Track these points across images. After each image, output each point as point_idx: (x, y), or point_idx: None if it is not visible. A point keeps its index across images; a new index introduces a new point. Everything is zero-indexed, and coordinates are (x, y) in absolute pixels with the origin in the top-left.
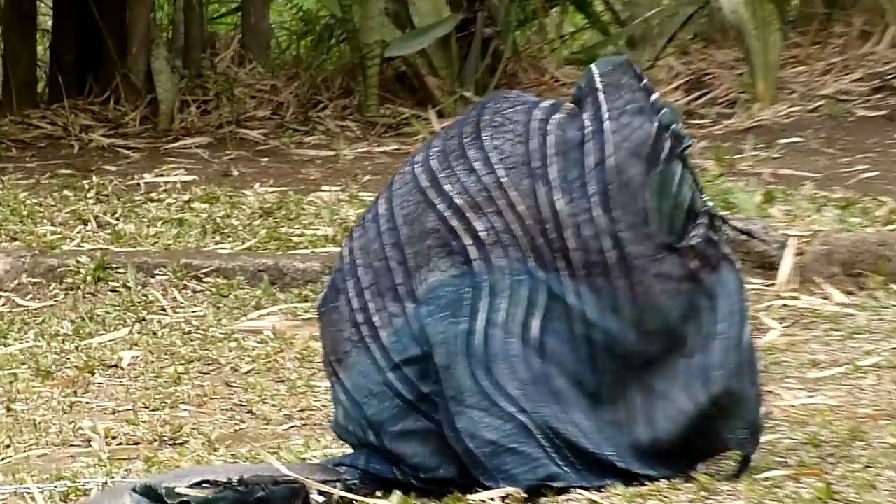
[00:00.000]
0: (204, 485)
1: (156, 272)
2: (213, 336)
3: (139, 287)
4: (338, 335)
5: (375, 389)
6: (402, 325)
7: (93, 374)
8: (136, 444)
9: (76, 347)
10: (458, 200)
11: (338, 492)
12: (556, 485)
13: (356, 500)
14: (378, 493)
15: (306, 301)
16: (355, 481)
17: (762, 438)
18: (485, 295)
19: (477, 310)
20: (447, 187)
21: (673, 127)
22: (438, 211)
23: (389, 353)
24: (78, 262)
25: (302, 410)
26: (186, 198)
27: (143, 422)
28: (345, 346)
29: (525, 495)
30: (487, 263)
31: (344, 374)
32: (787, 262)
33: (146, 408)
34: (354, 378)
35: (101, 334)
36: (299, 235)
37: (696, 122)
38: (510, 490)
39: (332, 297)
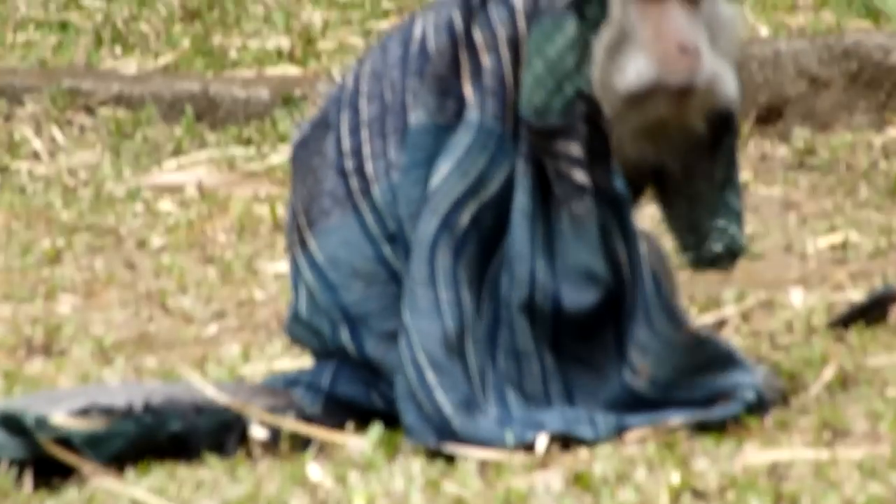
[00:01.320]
0: (92, 412)
1: (25, 100)
2: (109, 194)
3: (0, 122)
4: (315, 188)
5: (362, 267)
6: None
7: None
8: None
9: None
10: (477, 37)
11: (289, 425)
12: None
13: (316, 437)
14: (347, 427)
15: (248, 145)
16: (315, 410)
17: None
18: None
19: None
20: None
21: None
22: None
23: (384, 217)
24: None
25: (239, 304)
26: None
27: (2, 319)
28: (323, 202)
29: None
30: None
31: (316, 242)
32: None
33: (8, 298)
34: (332, 249)
35: None
36: (240, 49)
37: None
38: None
39: (316, 135)
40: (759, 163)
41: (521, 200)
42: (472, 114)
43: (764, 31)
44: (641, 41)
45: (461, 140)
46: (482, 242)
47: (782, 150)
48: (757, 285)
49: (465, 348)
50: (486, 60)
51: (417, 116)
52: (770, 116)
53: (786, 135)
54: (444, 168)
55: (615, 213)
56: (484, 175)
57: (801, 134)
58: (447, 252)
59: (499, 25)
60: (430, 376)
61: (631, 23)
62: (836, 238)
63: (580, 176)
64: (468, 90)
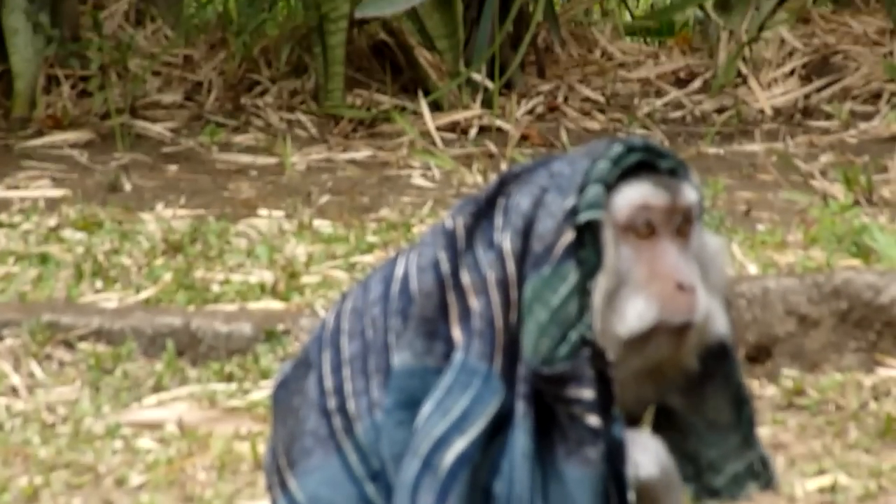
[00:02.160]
0: None
1: (4, 334)
2: (88, 431)
3: None
4: (297, 428)
5: None
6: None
7: None
8: None
9: None
10: (465, 280)
11: None
12: None
13: None
14: None
15: (230, 381)
16: None
17: None
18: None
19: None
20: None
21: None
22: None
23: (368, 456)
24: None
25: None
26: (53, 223)
27: None
28: (305, 441)
29: None
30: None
31: (297, 482)
32: None
33: None
34: (314, 489)
35: None
36: (222, 283)
37: (817, 123)
38: None
39: (298, 375)
40: None
41: (523, 442)
42: (458, 355)
43: (752, 268)
44: (638, 283)
45: (444, 381)
46: (476, 482)
47: (770, 390)
48: None
49: None
50: (475, 303)
51: (403, 358)
52: (759, 356)
53: (774, 374)
54: (426, 410)
55: (612, 461)
56: (468, 413)
57: (789, 374)
58: (430, 495)
59: (487, 268)
60: None
61: (626, 264)
62: (825, 481)
63: (594, 420)
64: (457, 333)
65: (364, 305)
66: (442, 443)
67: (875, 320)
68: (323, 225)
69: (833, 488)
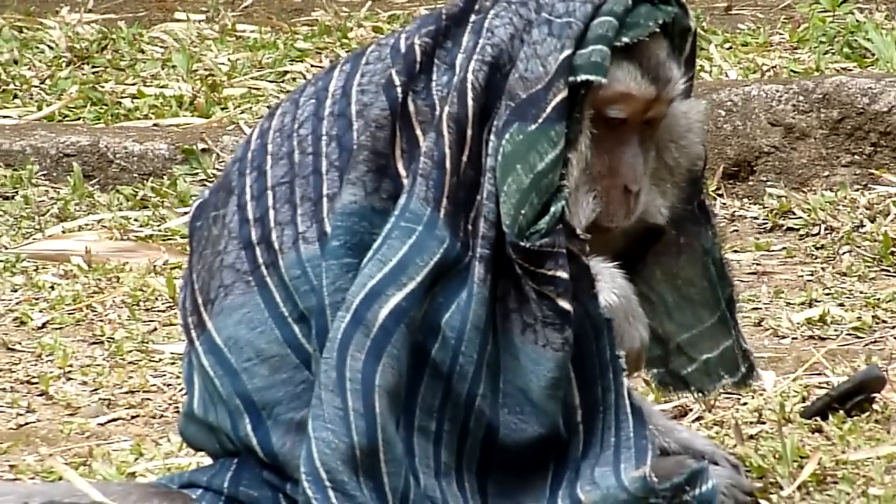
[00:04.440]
0: None
1: None
2: None
3: None
4: (215, 261)
5: (268, 349)
6: (315, 254)
7: None
8: None
9: None
10: (412, 108)
11: None
12: None
13: None
14: None
15: (145, 207)
16: None
17: None
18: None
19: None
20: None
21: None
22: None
23: (294, 294)
24: None
25: (131, 392)
26: None
27: None
28: (224, 277)
29: None
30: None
31: (215, 323)
32: None
33: None
34: (233, 329)
35: None
36: (134, 96)
37: None
38: None
39: (217, 202)
40: (727, 224)
41: (475, 311)
42: (402, 198)
43: (733, 73)
44: (592, 176)
45: (385, 226)
46: (412, 344)
47: (753, 211)
48: None
49: (376, 466)
50: (422, 137)
51: (350, 195)
52: (740, 172)
53: (757, 193)
54: (365, 259)
55: (595, 340)
56: (405, 262)
57: (774, 192)
58: (360, 353)
59: (440, 98)
60: (332, 496)
61: (589, 149)
62: (814, 312)
63: (565, 303)
64: (401, 168)
65: (292, 124)
66: (375, 295)
67: (871, 130)
68: (248, 30)
69: (823, 320)
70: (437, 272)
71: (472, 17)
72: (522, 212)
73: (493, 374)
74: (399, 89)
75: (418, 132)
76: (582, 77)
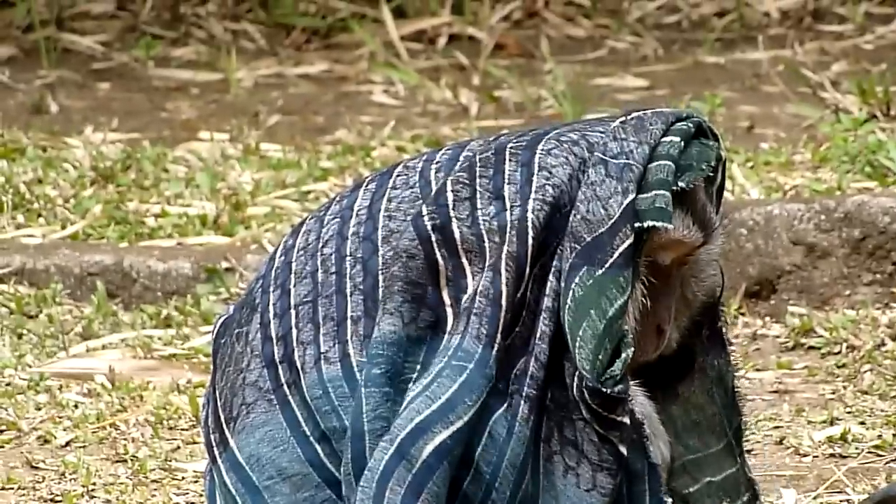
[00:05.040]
0: None
1: None
2: (9, 384)
3: None
4: (238, 378)
5: (290, 468)
6: (337, 375)
7: None
8: None
9: None
10: (457, 236)
11: None
12: None
13: None
14: None
15: (168, 326)
16: None
17: None
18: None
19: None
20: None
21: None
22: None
23: (315, 413)
24: None
25: None
26: None
27: None
28: (247, 394)
29: None
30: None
31: (237, 441)
32: None
33: None
34: (256, 447)
35: None
36: (158, 215)
37: (829, 27)
38: None
39: (240, 318)
40: (748, 343)
41: (513, 450)
42: (454, 338)
43: (755, 192)
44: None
45: (435, 363)
46: (450, 481)
47: (775, 329)
48: None
49: None
50: (478, 273)
51: (389, 325)
52: (761, 291)
53: (779, 312)
54: (412, 392)
55: (647, 482)
56: (454, 401)
57: (796, 311)
58: (400, 487)
59: (488, 230)
60: None
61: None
62: (836, 430)
63: (625, 449)
64: (446, 300)
65: (317, 242)
66: (422, 431)
67: (892, 249)
68: (272, 149)
69: (844, 438)
70: (482, 409)
71: (510, 145)
72: (600, 357)
73: None
74: (428, 218)
75: (464, 261)
76: (648, 223)
